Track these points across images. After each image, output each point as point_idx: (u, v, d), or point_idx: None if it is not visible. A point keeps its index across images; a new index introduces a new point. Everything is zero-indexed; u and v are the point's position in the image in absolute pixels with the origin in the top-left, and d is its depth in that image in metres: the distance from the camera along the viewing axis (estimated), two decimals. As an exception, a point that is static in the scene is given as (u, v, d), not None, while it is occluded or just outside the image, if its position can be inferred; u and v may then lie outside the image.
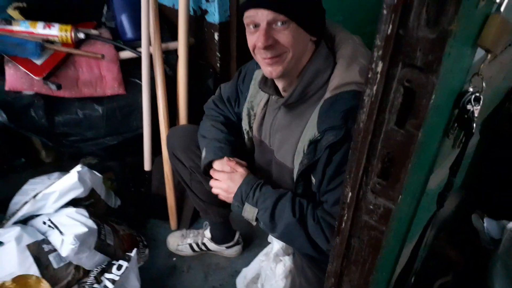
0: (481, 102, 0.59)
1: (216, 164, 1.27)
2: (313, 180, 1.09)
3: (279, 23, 0.99)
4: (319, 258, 1.13)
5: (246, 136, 1.34)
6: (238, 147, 1.35)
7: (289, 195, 1.14)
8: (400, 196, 0.62)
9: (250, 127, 1.32)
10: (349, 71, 1.02)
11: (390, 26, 0.50)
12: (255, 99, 1.27)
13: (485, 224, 1.14)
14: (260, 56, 1.05)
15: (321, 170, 1.04)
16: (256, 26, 1.02)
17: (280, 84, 1.14)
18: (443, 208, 0.80)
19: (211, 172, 1.28)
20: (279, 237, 1.18)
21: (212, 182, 1.27)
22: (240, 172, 1.22)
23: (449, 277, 1.15)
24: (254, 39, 1.03)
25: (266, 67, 1.06)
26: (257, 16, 0.99)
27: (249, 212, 1.17)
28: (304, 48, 1.05)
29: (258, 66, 1.23)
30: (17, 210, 1.56)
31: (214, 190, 1.26)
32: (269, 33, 1.00)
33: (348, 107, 0.97)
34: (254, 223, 1.18)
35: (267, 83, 1.18)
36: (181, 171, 1.54)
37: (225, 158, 1.26)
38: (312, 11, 1.03)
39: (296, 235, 1.11)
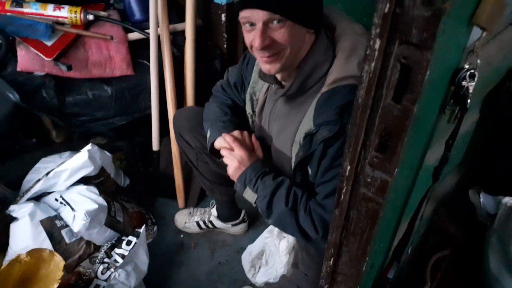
0: (476, 78, 0.61)
1: (235, 133, 1.28)
2: (310, 171, 1.11)
3: (275, 22, 0.98)
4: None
5: (250, 120, 1.36)
6: (243, 128, 1.36)
7: (286, 184, 1.16)
8: (396, 169, 0.65)
9: (254, 111, 1.33)
10: (348, 65, 1.01)
11: (387, 4, 0.52)
12: (257, 85, 1.28)
13: (481, 199, 1.17)
14: (258, 55, 1.05)
15: (316, 162, 1.06)
16: (252, 24, 1.01)
17: (278, 75, 1.15)
18: (444, 184, 0.83)
19: (229, 140, 1.26)
20: (273, 224, 1.22)
21: (225, 152, 1.25)
22: (256, 153, 1.25)
23: (446, 251, 1.19)
24: (250, 38, 1.03)
25: (265, 65, 1.07)
26: (253, 16, 0.99)
27: (249, 196, 1.20)
28: (302, 42, 1.05)
29: None
30: (30, 188, 1.61)
31: (226, 160, 1.25)
32: (266, 33, 0.99)
33: (344, 102, 0.97)
34: (254, 205, 1.22)
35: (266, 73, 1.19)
36: (187, 152, 1.57)
37: (240, 132, 1.28)
38: (308, 5, 1.02)
39: (288, 223, 1.14)
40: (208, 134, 1.35)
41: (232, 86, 1.42)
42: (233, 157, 1.22)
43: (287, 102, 1.16)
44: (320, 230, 1.08)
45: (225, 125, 1.32)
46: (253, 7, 0.98)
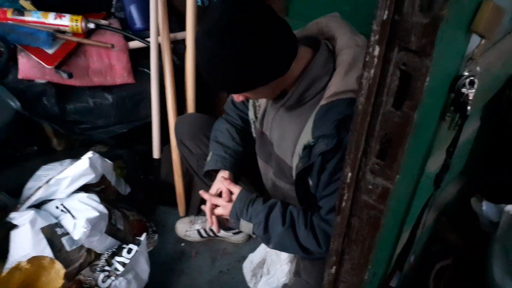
0: (475, 85, 0.62)
1: (213, 187, 1.31)
2: (310, 182, 1.11)
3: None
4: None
5: (253, 126, 1.36)
6: (245, 157, 1.39)
7: (278, 205, 1.17)
8: (397, 176, 0.65)
9: (256, 117, 1.33)
10: (347, 79, 1.01)
11: (386, 11, 0.53)
12: None
13: (483, 208, 1.16)
14: None
15: (315, 174, 1.06)
16: None
17: None
18: (445, 193, 0.82)
19: (208, 198, 1.29)
20: (274, 247, 1.21)
21: (210, 210, 1.28)
22: (235, 192, 1.25)
23: (449, 260, 1.18)
24: None
25: None
26: None
27: (246, 227, 1.20)
28: (281, 81, 1.06)
29: None
30: (31, 195, 1.60)
31: (217, 213, 1.28)
32: (239, 96, 1.11)
33: (342, 116, 0.97)
34: (254, 236, 1.22)
35: None
36: (188, 158, 1.57)
37: (221, 178, 1.29)
38: (272, 63, 0.99)
39: (288, 243, 1.14)
40: (208, 158, 1.38)
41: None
42: (219, 208, 1.26)
43: (287, 111, 1.16)
44: (324, 244, 1.08)
45: (225, 155, 1.34)
46: (217, 89, 1.04)
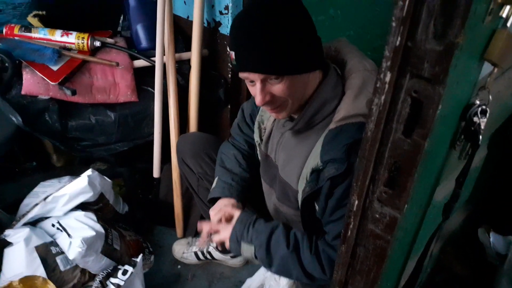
0: (488, 114, 0.60)
1: (212, 214, 1.27)
2: (317, 207, 1.09)
3: (273, 77, 1.00)
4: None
5: (258, 148, 1.35)
6: (251, 183, 1.37)
7: (281, 226, 1.14)
8: (406, 206, 0.63)
9: (261, 140, 1.32)
10: (356, 103, 1.01)
11: (399, 38, 0.52)
12: (265, 113, 1.28)
13: (491, 239, 1.13)
14: (263, 107, 1.08)
15: (323, 199, 1.04)
16: (252, 81, 1.03)
17: None
18: (450, 222, 0.80)
19: (209, 226, 1.25)
20: (276, 272, 1.17)
21: (213, 236, 1.24)
22: (235, 215, 1.21)
23: (454, 292, 1.15)
24: (253, 92, 1.05)
25: (271, 113, 1.10)
26: (250, 77, 1.01)
27: (247, 251, 1.16)
28: (305, 87, 1.05)
29: None
30: (27, 212, 1.58)
31: (215, 240, 1.24)
32: (265, 89, 1.01)
33: (351, 141, 0.96)
34: (257, 262, 1.17)
35: None
36: (189, 177, 1.56)
37: (222, 210, 1.25)
38: (303, 53, 1.01)
39: (291, 267, 1.10)
40: (214, 184, 1.36)
41: (248, 118, 1.41)
42: (220, 233, 1.22)
43: (294, 134, 1.15)
44: (328, 271, 1.05)
45: (231, 182, 1.32)
46: (248, 71, 1.01)
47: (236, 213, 1.21)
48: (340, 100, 1.05)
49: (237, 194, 1.31)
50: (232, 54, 1.03)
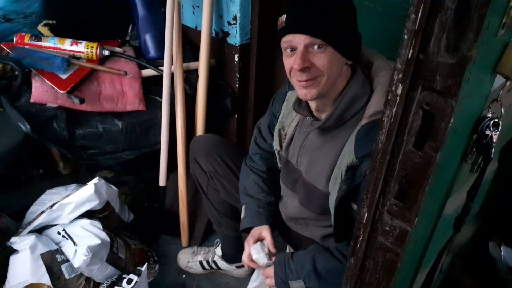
0: (500, 127, 0.60)
1: (254, 253, 1.28)
2: (354, 206, 1.09)
3: (316, 46, 1.01)
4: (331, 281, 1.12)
5: (277, 156, 1.35)
6: (277, 205, 1.39)
7: (318, 247, 1.15)
8: (416, 218, 0.62)
9: (281, 146, 1.32)
10: None
11: (411, 50, 0.52)
12: (287, 119, 1.29)
13: (502, 253, 1.12)
14: (296, 79, 1.06)
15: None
16: (293, 49, 1.04)
17: (313, 104, 1.14)
18: (460, 235, 0.79)
19: (263, 272, 1.31)
20: None
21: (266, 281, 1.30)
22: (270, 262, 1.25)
23: (464, 307, 1.13)
24: (290, 62, 1.05)
25: (301, 90, 1.07)
26: (295, 41, 1.02)
27: (298, 287, 1.16)
28: (339, 72, 1.06)
29: (290, 88, 1.26)
30: (33, 219, 1.58)
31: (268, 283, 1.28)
32: (306, 56, 1.02)
33: None
34: None
35: (301, 105, 1.18)
36: (199, 177, 1.58)
37: (259, 244, 1.28)
38: (349, 35, 1.05)
39: None
40: (243, 214, 1.38)
41: (265, 132, 1.42)
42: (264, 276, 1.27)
43: (321, 134, 1.15)
44: None
45: (259, 209, 1.34)
46: (296, 32, 1.01)
47: (267, 236, 1.26)
48: (369, 97, 1.06)
49: (267, 219, 1.32)
50: (283, 18, 1.04)
